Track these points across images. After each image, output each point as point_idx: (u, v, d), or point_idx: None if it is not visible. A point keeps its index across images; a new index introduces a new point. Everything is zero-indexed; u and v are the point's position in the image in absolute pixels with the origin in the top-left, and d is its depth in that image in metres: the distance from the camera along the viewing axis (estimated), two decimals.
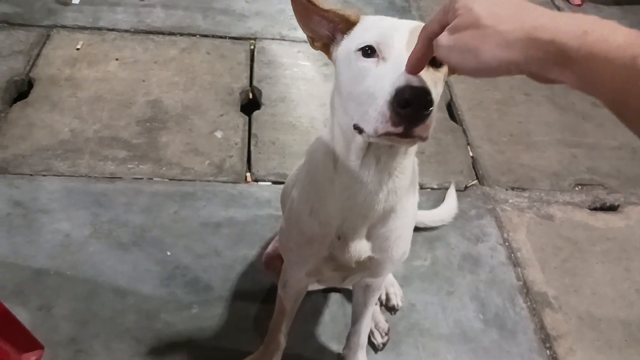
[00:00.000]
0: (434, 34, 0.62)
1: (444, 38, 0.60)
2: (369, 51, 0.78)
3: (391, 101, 0.69)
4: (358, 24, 0.85)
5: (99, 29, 2.53)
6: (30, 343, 1.39)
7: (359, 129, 0.79)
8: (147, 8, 2.70)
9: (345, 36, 0.86)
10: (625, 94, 0.47)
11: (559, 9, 3.18)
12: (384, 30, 0.79)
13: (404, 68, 0.70)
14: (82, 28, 2.52)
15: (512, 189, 2.15)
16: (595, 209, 2.15)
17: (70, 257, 1.65)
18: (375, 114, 0.72)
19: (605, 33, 0.48)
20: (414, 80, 0.69)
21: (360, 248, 1.04)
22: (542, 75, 0.53)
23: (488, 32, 0.54)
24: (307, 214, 1.04)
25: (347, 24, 0.85)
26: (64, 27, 2.51)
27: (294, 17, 0.88)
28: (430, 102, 0.68)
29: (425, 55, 0.67)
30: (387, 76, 0.72)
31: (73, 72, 2.29)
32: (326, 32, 0.88)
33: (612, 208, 2.16)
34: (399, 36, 0.77)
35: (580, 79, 0.50)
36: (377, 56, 0.77)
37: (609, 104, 0.49)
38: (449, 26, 0.59)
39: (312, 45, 0.92)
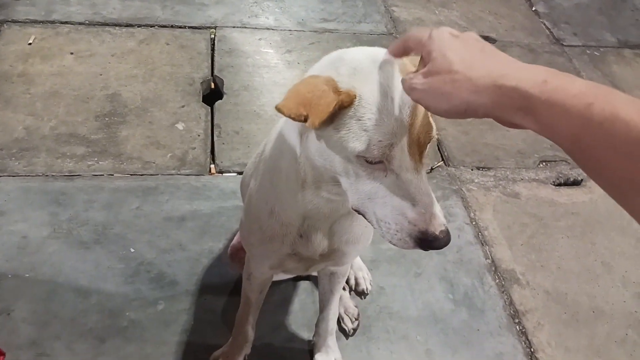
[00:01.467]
0: (408, 47, 0.71)
1: (418, 81, 0.63)
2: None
3: (414, 239, 0.73)
4: (353, 106, 0.72)
5: (52, 22, 2.45)
6: None
7: (358, 212, 0.80)
8: None
9: (339, 112, 0.72)
10: (579, 139, 0.50)
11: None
12: (387, 132, 0.71)
13: (417, 189, 0.73)
14: (35, 22, 2.43)
15: (478, 168, 2.16)
16: (559, 184, 2.18)
17: (28, 259, 1.59)
18: (392, 232, 0.75)
19: (564, 83, 0.53)
20: (437, 225, 0.73)
21: (324, 243, 1.02)
22: (507, 120, 0.57)
23: (459, 78, 0.59)
24: (267, 215, 1.01)
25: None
26: (15, 21, 2.41)
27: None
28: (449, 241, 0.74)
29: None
30: (399, 198, 0.73)
31: (26, 67, 2.21)
32: None
33: (575, 183, 2.19)
34: (403, 139, 0.71)
35: (540, 124, 0.54)
36: (384, 164, 0.73)
37: (566, 150, 0.53)
38: (424, 70, 0.63)
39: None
